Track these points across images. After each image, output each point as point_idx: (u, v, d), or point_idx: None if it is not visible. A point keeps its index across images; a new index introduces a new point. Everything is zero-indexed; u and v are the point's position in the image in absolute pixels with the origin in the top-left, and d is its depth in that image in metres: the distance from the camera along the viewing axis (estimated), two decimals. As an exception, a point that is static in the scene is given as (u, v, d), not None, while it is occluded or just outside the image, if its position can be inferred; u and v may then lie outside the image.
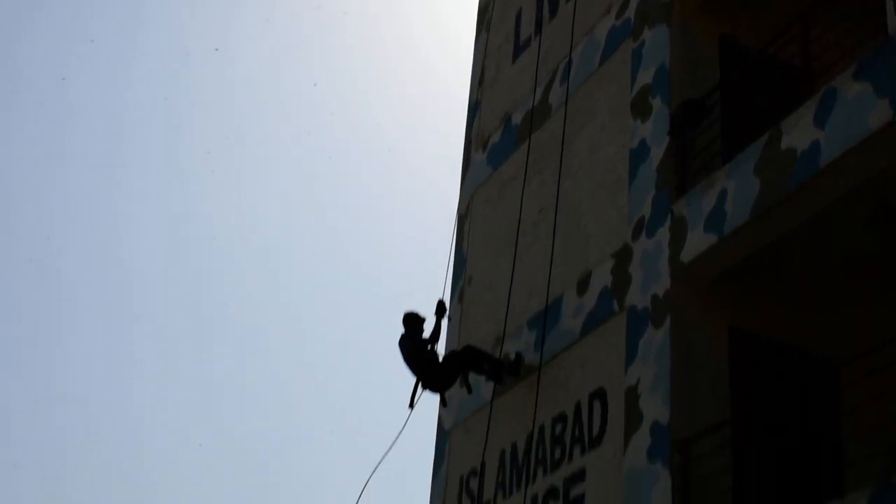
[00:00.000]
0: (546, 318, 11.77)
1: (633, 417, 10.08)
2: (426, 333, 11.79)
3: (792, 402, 9.10)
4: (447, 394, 12.24)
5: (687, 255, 10.05)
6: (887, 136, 8.31)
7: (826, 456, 9.22)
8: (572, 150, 12.59)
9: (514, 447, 11.89)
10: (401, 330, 11.80)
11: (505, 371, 11.93)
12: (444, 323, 11.98)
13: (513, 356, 11.97)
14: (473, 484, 12.46)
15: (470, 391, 12.18)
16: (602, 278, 11.23)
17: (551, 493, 10.96)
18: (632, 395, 10.19)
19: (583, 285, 11.51)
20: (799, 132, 9.06)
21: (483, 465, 12.37)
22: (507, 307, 12.53)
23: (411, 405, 11.54)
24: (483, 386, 12.90)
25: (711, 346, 9.96)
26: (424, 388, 11.67)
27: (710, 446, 9.33)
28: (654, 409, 9.82)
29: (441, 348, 14.13)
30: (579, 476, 10.63)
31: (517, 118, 14.23)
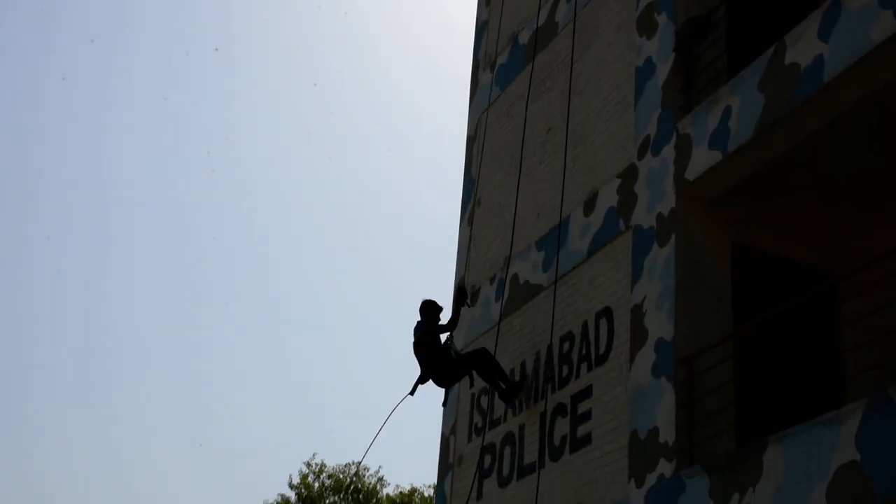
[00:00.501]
0: (555, 238, 11.91)
1: (638, 335, 10.26)
2: (444, 321, 11.56)
3: (793, 317, 9.23)
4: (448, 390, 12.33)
5: (692, 172, 10.12)
6: (891, 49, 8.30)
7: (825, 369, 9.39)
8: (579, 69, 12.60)
9: (522, 366, 12.12)
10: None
11: (515, 393, 11.70)
12: (463, 310, 11.70)
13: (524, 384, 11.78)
14: (484, 402, 12.73)
15: (472, 386, 12.11)
16: (608, 198, 11.32)
17: (559, 409, 11.20)
18: (637, 312, 10.35)
19: (589, 205, 11.61)
20: (803, 46, 9.05)
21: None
22: (514, 228, 12.70)
23: (412, 393, 11.36)
24: (492, 305, 13.12)
25: (715, 263, 10.08)
26: (429, 381, 11.47)
27: (713, 361, 9.51)
28: (659, 326, 9.98)
29: (452, 273, 14.31)
30: (586, 393, 10.85)
31: (524, 38, 14.21)
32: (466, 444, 12.81)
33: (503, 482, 11.88)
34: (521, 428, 11.75)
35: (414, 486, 31.65)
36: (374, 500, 30.59)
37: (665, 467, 9.42)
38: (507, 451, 11.96)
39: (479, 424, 12.70)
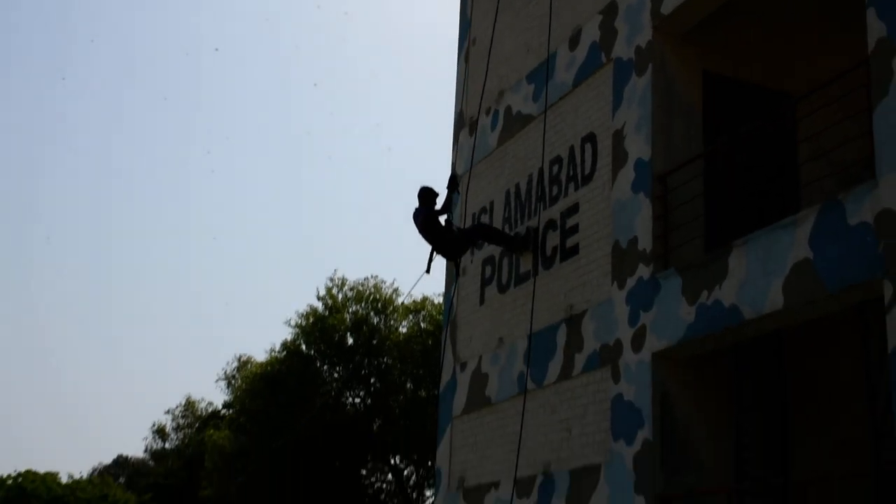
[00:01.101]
0: (544, 71, 11.87)
1: (619, 156, 10.38)
2: (439, 206, 11.42)
3: (756, 136, 9.33)
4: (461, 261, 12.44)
5: (667, 7, 9.99)
6: None
7: (785, 181, 9.55)
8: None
9: (517, 187, 12.29)
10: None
11: (518, 246, 11.73)
12: (455, 195, 11.58)
13: (523, 232, 11.79)
14: (484, 220, 12.96)
15: (472, 260, 12.33)
16: (591, 33, 11.22)
17: (550, 224, 11.44)
18: (618, 136, 10.44)
19: (574, 40, 11.52)
20: None
21: (491, 203, 12.83)
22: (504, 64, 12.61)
23: (428, 271, 11.43)
24: (489, 135, 13.19)
25: (688, 90, 10.10)
26: (439, 254, 11.48)
27: (685, 178, 9.67)
28: (638, 147, 10.09)
29: (452, 107, 14.25)
30: (574, 209, 11.06)
31: None
32: (470, 258, 13.12)
33: (502, 289, 12.22)
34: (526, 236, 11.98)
35: (425, 295, 32.46)
36: (391, 308, 31.41)
37: (643, 271, 9.71)
38: (505, 262, 12.26)
39: (480, 241, 12.93)
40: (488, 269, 12.64)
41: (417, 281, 25.39)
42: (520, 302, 11.55)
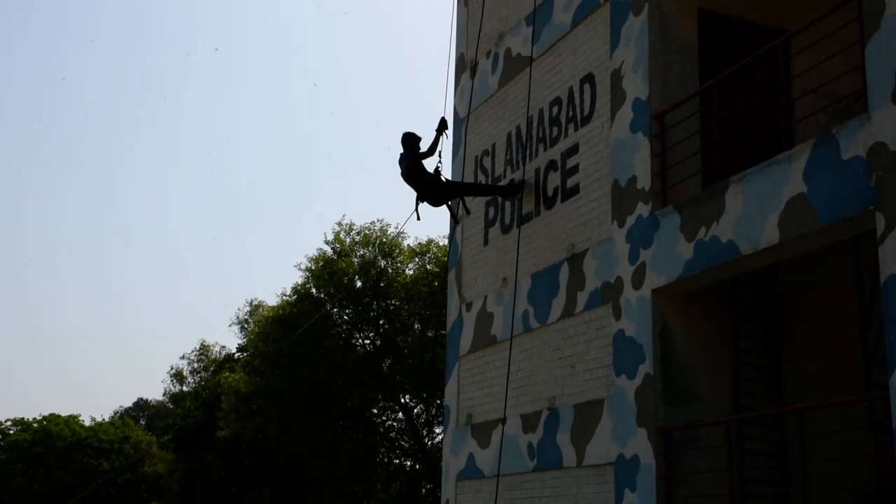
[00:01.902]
0: (543, 13, 11.77)
1: (617, 96, 10.32)
2: (424, 149, 11.27)
3: (751, 72, 9.26)
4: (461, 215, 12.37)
5: (662, -55, 9.88)
6: None
7: (779, 117, 9.51)
8: None
9: (518, 130, 12.25)
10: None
11: (509, 192, 11.59)
12: (443, 138, 11.36)
13: (517, 180, 11.65)
14: (487, 162, 12.95)
15: (469, 213, 12.15)
16: (587, -27, 11.09)
17: (551, 165, 11.43)
18: (616, 76, 10.37)
19: (571, -19, 11.39)
20: None
21: (493, 145, 12.81)
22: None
23: (418, 218, 11.44)
24: (489, 77, 13.11)
25: (683, 28, 10.00)
26: (423, 201, 11.28)
27: (682, 116, 9.63)
28: (636, 87, 10.03)
29: (453, 49, 14.14)
30: (574, 149, 11.03)
31: None
32: (473, 201, 13.12)
33: (506, 229, 12.26)
34: (522, 182, 11.98)
35: (431, 237, 32.56)
36: (397, 250, 31.51)
37: (642, 209, 9.73)
38: (508, 203, 12.28)
39: (483, 181, 12.94)
40: (491, 211, 12.66)
41: (405, 222, 25.42)
42: (523, 242, 11.60)
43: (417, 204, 11.33)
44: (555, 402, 10.61)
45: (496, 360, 11.96)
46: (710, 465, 9.05)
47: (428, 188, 11.20)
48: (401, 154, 11.31)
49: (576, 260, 10.62)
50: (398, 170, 11.38)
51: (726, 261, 8.50)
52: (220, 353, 55.40)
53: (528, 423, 10.98)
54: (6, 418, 68.58)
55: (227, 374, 34.33)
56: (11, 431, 65.08)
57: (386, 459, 34.81)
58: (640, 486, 9.08)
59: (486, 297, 12.43)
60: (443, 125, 11.43)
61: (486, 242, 12.68)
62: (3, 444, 66.04)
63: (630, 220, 9.85)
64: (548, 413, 10.67)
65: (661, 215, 9.42)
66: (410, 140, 11.32)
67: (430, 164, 11.53)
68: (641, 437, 9.20)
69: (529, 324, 11.29)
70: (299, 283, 31.81)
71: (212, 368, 52.56)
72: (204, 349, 56.81)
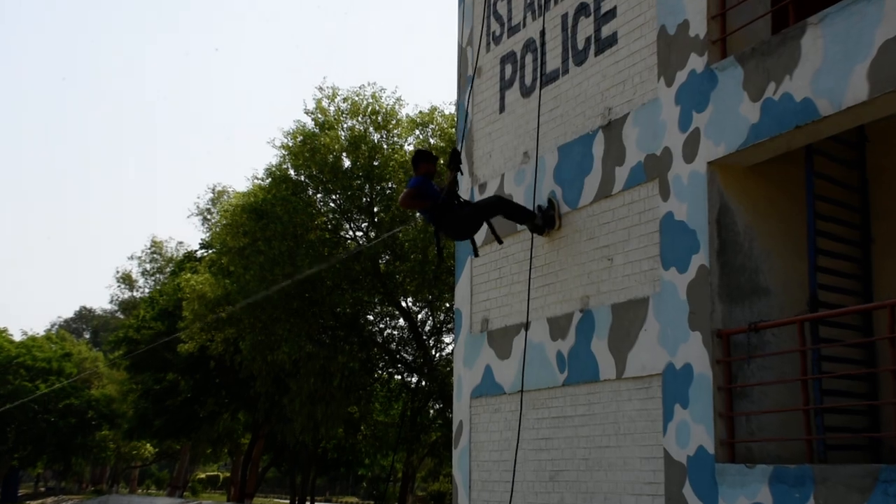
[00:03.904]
0: None
1: (665, -82, 10.11)
2: (441, 186, 10.82)
3: None
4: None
5: None
6: None
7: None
8: None
9: (540, -36, 12.04)
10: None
11: (541, 222, 11.20)
12: (459, 176, 10.90)
13: (545, 205, 11.27)
14: (501, 7, 12.77)
15: (501, 242, 11.61)
16: None
17: (581, 9, 11.26)
18: None
19: None
20: None
21: (509, -14, 12.63)
22: None
23: (476, 254, 11.43)
24: None
25: None
26: (447, 236, 11.04)
27: (747, -58, 9.43)
28: None
29: None
30: (610, -12, 10.87)
31: None
32: (485, 55, 13.01)
33: (526, 92, 12.18)
34: (542, 34, 11.87)
35: (434, 105, 32.30)
36: (394, 121, 31.31)
37: (696, 62, 9.61)
38: (529, 58, 12.16)
39: (498, 32, 12.80)
40: (508, 69, 12.56)
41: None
42: (548, 107, 11.53)
43: (439, 242, 11.03)
44: (588, 302, 10.71)
45: (517, 252, 12.03)
46: (780, 374, 9.16)
47: (449, 220, 10.82)
48: (413, 180, 10.82)
49: (613, 128, 10.58)
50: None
51: (801, 124, 8.44)
52: (176, 250, 55.91)
53: (557, 327, 11.09)
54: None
55: (189, 275, 34.62)
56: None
57: (385, 375, 35.41)
58: (694, 402, 9.22)
59: (502, 175, 12.44)
60: (456, 159, 10.89)
61: (502, 109, 12.62)
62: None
63: (680, 77, 9.76)
64: (580, 315, 10.78)
65: (720, 69, 9.32)
66: (421, 160, 10.93)
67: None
68: (695, 341, 9.30)
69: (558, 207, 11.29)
70: (274, 163, 31.80)
71: (168, 270, 53.07)
72: (156, 246, 57.21)
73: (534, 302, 11.35)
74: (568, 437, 10.79)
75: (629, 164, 10.33)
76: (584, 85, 11.10)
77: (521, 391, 11.05)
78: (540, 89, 11.69)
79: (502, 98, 12.63)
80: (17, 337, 66.18)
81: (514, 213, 11.29)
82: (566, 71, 11.39)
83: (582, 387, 10.67)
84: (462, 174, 11.72)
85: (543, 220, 11.29)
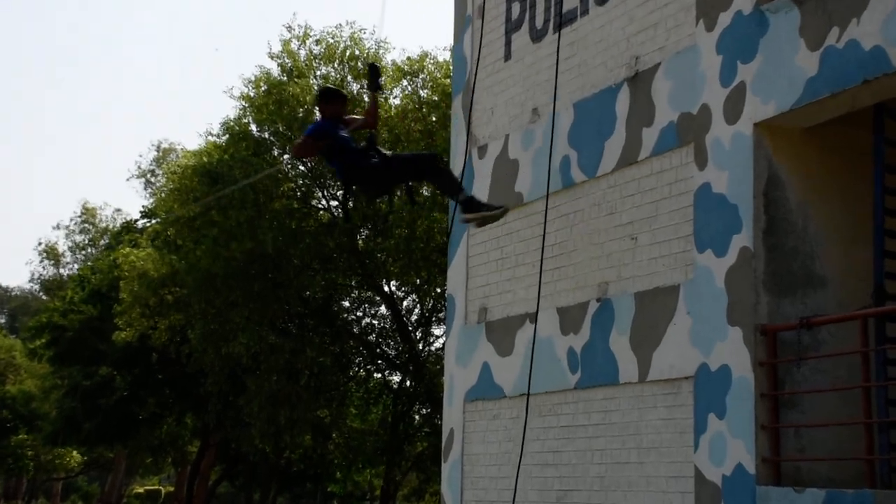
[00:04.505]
0: None
1: None
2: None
3: None
4: None
5: None
6: None
7: None
8: None
9: None
10: None
11: (476, 207, 10.00)
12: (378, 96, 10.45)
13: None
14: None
15: (414, 204, 11.33)
16: None
17: (606, -64, 11.28)
18: None
19: None
20: None
21: None
22: None
23: (412, 200, 10.90)
24: None
25: None
26: (352, 186, 10.61)
27: None
28: None
29: None
30: (641, -88, 10.86)
31: None
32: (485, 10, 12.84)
33: (537, 35, 12.14)
34: (558, -37, 11.84)
35: (425, 50, 32.29)
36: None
37: (743, 2, 9.62)
38: (542, -6, 12.14)
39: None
40: (515, 8, 12.56)
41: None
42: (564, 55, 11.49)
43: (347, 193, 10.62)
44: (608, 289, 10.72)
45: (522, 229, 12.04)
46: (836, 381, 9.16)
47: (356, 170, 10.19)
48: (318, 123, 10.30)
49: (641, 81, 10.58)
50: None
51: (870, 78, 8.44)
52: (113, 219, 55.85)
53: (569, 319, 11.10)
54: None
55: (127, 249, 34.58)
56: None
57: (363, 373, 35.42)
58: (732, 411, 9.24)
59: (507, 136, 12.42)
60: (375, 73, 10.38)
61: (507, 56, 12.60)
62: None
63: (723, 20, 9.76)
64: (597, 306, 10.79)
65: (771, 11, 9.33)
66: (327, 100, 10.36)
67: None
68: (734, 339, 9.31)
69: (572, 176, 11.32)
70: (232, 116, 31.69)
71: (102, 242, 52.98)
72: (88, 214, 57.06)
73: (543, 288, 11.28)
74: (580, 451, 10.81)
75: (659, 124, 10.32)
76: (607, 28, 11.09)
77: (528, 394, 11.05)
78: (558, 32, 11.66)
79: (508, 43, 12.61)
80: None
81: (445, 182, 10.41)
82: (585, 11, 11.39)
83: (598, 391, 10.68)
84: (382, 91, 10.90)
85: (479, 205, 10.12)
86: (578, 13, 11.49)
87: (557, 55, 11.43)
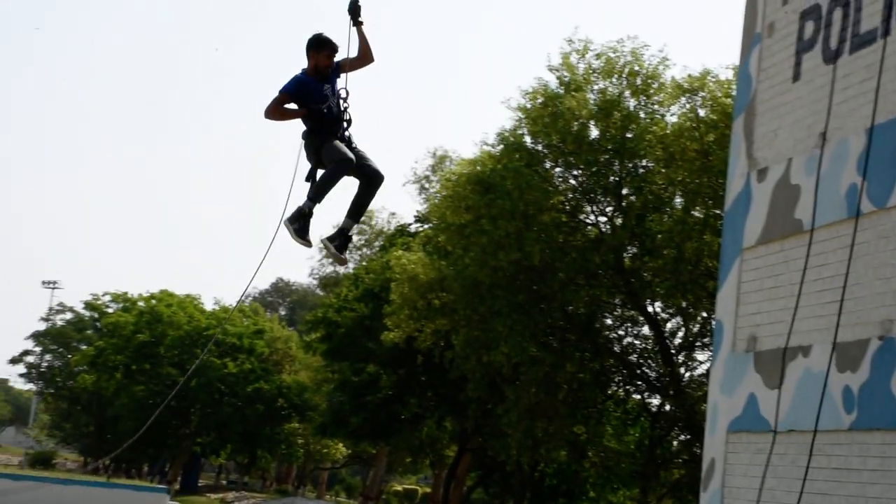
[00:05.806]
0: None
1: None
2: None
3: None
4: None
5: None
6: None
7: None
8: None
9: None
10: None
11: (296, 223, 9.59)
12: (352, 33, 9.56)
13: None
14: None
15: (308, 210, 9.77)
16: None
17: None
18: None
19: None
20: None
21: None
22: None
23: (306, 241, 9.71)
24: None
25: None
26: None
27: None
28: None
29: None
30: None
31: None
32: (780, 8, 12.71)
33: (830, 57, 11.78)
34: (858, -18, 11.45)
35: (707, 68, 31.63)
36: (656, 85, 30.83)
37: None
38: (837, 14, 11.78)
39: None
40: (808, 27, 12.20)
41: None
42: (858, 77, 11.16)
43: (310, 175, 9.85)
44: (892, 328, 10.32)
45: (799, 257, 11.69)
46: None
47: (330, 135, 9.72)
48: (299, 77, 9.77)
49: (943, 107, 10.00)
50: None
51: None
52: (388, 222, 57.03)
53: (846, 356, 10.73)
54: (104, 291, 73.90)
55: (400, 252, 35.21)
56: (111, 310, 69.93)
57: (622, 392, 35.15)
58: None
59: (790, 160, 12.15)
60: (355, 8, 9.65)
61: (796, 77, 12.34)
62: (99, 326, 71.22)
63: None
64: (879, 344, 10.43)
65: None
66: (313, 49, 9.77)
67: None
68: None
69: (859, 205, 10.88)
70: (507, 127, 31.87)
71: (377, 244, 54.22)
72: (366, 216, 58.43)
73: (818, 321, 11.12)
74: (852, 497, 10.44)
75: (961, 155, 9.74)
76: (909, 51, 10.61)
77: (815, 431, 10.59)
78: (853, 53, 11.24)
79: (798, 63, 12.34)
80: (209, 306, 69.47)
81: (362, 203, 9.97)
82: (886, 32, 10.93)
83: (875, 434, 10.31)
84: (362, 23, 9.73)
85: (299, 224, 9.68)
86: (878, 34, 11.12)
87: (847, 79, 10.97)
